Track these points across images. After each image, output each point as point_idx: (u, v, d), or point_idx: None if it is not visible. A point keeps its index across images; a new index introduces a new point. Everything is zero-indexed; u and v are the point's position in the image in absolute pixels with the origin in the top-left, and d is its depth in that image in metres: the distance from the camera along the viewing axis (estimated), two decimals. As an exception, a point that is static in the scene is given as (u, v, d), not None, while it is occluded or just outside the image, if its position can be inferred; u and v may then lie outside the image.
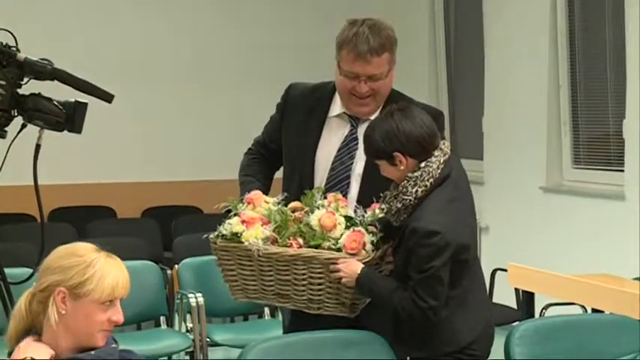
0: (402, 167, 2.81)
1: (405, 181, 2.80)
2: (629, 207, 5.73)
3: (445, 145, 2.88)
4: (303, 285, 2.84)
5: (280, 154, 3.19)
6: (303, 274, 2.81)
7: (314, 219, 2.81)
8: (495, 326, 5.06)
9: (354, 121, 3.07)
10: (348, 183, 3.02)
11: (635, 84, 5.72)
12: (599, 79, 6.26)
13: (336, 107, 3.09)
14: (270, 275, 2.87)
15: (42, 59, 3.02)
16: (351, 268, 2.77)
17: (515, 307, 5.36)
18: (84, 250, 2.28)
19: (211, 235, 2.94)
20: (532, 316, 4.80)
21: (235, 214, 2.89)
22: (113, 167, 7.35)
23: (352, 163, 3.03)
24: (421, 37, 7.85)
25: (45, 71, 2.98)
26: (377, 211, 2.89)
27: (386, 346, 2.92)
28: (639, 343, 3.11)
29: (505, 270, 5.15)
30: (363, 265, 2.78)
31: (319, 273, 2.80)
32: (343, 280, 2.77)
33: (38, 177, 3.01)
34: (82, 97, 3.02)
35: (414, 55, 7.62)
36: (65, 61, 3.13)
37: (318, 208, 2.84)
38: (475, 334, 2.88)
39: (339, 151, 3.05)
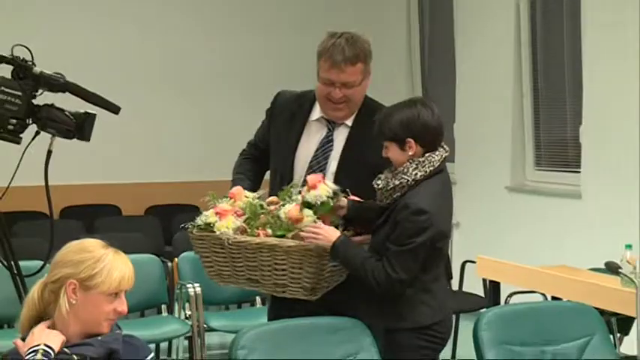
0: (410, 153, 2.80)
1: (408, 163, 2.80)
2: (585, 205, 5.76)
3: (446, 147, 2.90)
4: (269, 270, 2.84)
5: (269, 155, 3.20)
6: (268, 261, 2.83)
7: (283, 211, 2.84)
8: (464, 313, 5.16)
9: (331, 125, 3.08)
10: None
11: (590, 93, 5.74)
12: (558, 89, 6.28)
13: (316, 112, 3.10)
14: (241, 262, 2.88)
15: (55, 73, 3.01)
16: (330, 233, 2.78)
17: (482, 295, 5.37)
18: (93, 246, 2.28)
19: (188, 225, 2.95)
20: (498, 303, 4.82)
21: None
22: (118, 169, 7.33)
23: (327, 163, 3.04)
24: (397, 52, 7.86)
25: (58, 84, 2.98)
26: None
27: (366, 330, 2.92)
28: (593, 327, 3.13)
29: (474, 262, 5.18)
30: (340, 233, 2.79)
31: (282, 260, 2.80)
32: (320, 243, 2.76)
33: (50, 178, 3.01)
34: (91, 109, 3.02)
35: (391, 68, 7.64)
36: (76, 72, 3.14)
37: (290, 202, 2.85)
38: (437, 318, 2.88)
39: (316, 151, 3.06)
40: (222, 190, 3.01)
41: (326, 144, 3.06)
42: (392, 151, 2.84)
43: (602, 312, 3.35)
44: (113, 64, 7.19)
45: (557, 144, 6.38)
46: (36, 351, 2.16)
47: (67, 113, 2.97)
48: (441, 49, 7.49)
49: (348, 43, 2.93)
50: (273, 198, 2.95)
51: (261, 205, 2.93)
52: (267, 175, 3.24)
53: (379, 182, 2.84)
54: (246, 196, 2.94)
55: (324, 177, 2.88)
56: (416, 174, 2.79)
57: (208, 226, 2.88)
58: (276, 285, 2.87)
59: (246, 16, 7.65)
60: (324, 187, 2.81)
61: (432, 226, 2.76)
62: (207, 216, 2.89)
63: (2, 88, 2.90)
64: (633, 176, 5.36)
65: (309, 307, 2.92)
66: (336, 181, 2.99)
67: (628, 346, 4.14)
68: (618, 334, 4.22)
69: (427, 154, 2.82)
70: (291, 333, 2.86)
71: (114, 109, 3.05)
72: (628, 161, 5.42)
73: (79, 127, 2.98)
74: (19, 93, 2.91)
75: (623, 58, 5.46)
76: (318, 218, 2.82)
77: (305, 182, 2.91)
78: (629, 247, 4.01)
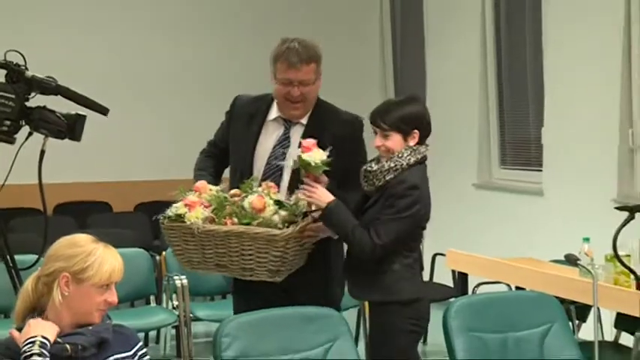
0: (410, 142, 2.90)
1: (404, 149, 2.88)
2: (546, 201, 5.79)
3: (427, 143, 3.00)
4: (237, 256, 2.86)
5: (228, 153, 3.23)
6: (236, 247, 2.85)
7: (247, 202, 2.86)
8: (434, 302, 5.14)
9: (287, 123, 3.11)
10: (281, 174, 3.05)
11: (551, 97, 5.78)
12: (521, 93, 6.30)
13: (273, 112, 3.13)
14: (210, 249, 2.90)
15: (47, 77, 2.99)
16: (326, 195, 2.82)
17: (451, 285, 5.39)
18: (84, 241, 2.26)
19: (160, 217, 2.99)
20: (466, 293, 4.83)
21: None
22: (110, 168, 7.28)
23: (284, 159, 3.07)
24: (371, 58, 7.85)
25: (49, 87, 2.95)
26: (300, 195, 2.93)
27: (342, 319, 2.92)
28: (554, 315, 3.14)
29: (444, 254, 5.20)
30: (334, 197, 2.82)
31: (249, 245, 2.83)
32: (313, 201, 2.81)
33: (44, 176, 2.99)
34: (82, 110, 3.00)
35: (365, 72, 7.65)
36: (64, 76, 3.11)
37: (252, 193, 2.88)
38: (419, 294, 2.94)
39: (273, 148, 3.09)
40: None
41: (283, 141, 3.09)
42: (393, 140, 2.90)
43: (562, 301, 3.37)
44: (100, 68, 7.13)
45: (520, 144, 6.40)
46: (33, 342, 2.13)
47: (58, 114, 2.95)
48: (413, 56, 7.49)
49: (301, 45, 3.01)
50: (236, 191, 2.97)
51: (226, 197, 2.94)
52: (227, 172, 3.26)
53: (373, 165, 2.89)
54: (210, 189, 2.97)
55: (316, 144, 2.87)
56: (409, 159, 2.88)
57: (179, 217, 2.92)
58: (244, 269, 2.90)
59: (227, 38, 7.60)
60: (317, 152, 2.83)
61: (421, 201, 2.89)
62: (178, 208, 2.93)
63: None
64: (591, 174, 5.39)
65: (267, 295, 2.94)
66: (293, 176, 3.02)
67: (585, 332, 4.17)
68: (577, 321, 4.25)
69: (417, 145, 2.93)
70: (272, 322, 2.85)
71: (102, 110, 3.03)
72: (587, 160, 5.45)
73: (71, 128, 2.96)
74: (13, 96, 2.88)
75: (582, 65, 5.50)
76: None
77: (264, 177, 2.99)
78: (586, 240, 4.04)
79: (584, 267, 3.23)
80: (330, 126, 3.07)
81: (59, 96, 3.01)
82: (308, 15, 7.47)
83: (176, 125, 7.48)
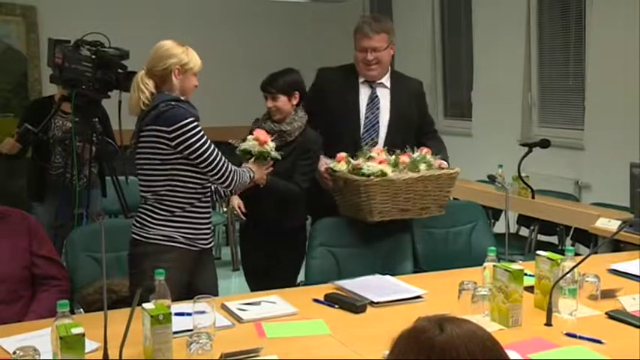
0: (293, 102, 2.57)
1: (294, 112, 2.57)
2: (474, 141, 5.74)
3: None
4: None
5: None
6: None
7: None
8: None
9: (372, 84, 2.71)
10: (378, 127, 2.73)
11: (478, 72, 5.69)
12: (458, 67, 6.18)
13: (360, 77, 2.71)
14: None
15: (115, 48, 2.82)
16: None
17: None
18: (175, 44, 2.14)
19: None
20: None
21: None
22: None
23: (378, 113, 2.71)
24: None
25: (113, 61, 2.79)
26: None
27: (406, 228, 2.72)
28: (478, 216, 3.17)
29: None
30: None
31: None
32: (261, 181, 2.39)
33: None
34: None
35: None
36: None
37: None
38: None
39: (366, 107, 2.71)
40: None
41: (374, 99, 2.70)
42: (283, 103, 2.55)
43: (483, 207, 3.38)
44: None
45: (457, 103, 6.30)
46: None
47: (109, 75, 2.80)
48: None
49: (374, 19, 2.69)
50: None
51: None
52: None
53: (286, 126, 2.54)
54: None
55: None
56: (305, 117, 2.61)
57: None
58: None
59: (263, 29, 7.33)
60: (271, 143, 2.38)
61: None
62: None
63: (82, 62, 2.76)
64: (504, 122, 5.35)
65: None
66: (390, 129, 2.67)
67: (498, 227, 4.21)
68: (493, 220, 4.28)
69: (300, 106, 2.63)
70: (348, 225, 2.62)
71: (124, 68, 2.81)
72: (501, 113, 5.39)
73: (119, 84, 2.80)
74: (91, 64, 2.78)
75: (499, 49, 5.39)
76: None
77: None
78: (501, 166, 4.04)
79: (499, 184, 3.23)
80: (407, 87, 2.77)
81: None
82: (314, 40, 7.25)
83: (242, 89, 7.11)
